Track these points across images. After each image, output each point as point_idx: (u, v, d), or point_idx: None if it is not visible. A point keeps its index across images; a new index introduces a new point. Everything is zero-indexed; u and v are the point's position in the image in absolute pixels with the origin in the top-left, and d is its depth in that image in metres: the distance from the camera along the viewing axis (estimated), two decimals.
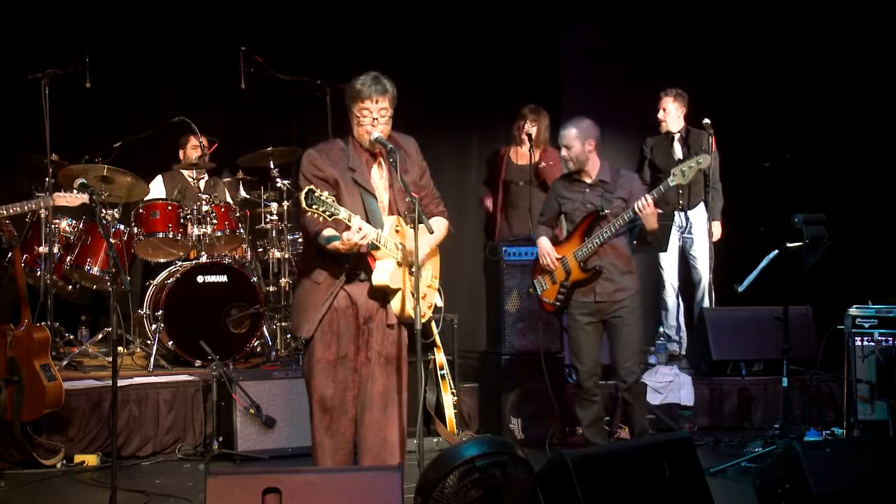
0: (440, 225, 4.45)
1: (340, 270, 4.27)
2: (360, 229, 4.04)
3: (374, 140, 4.21)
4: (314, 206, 3.95)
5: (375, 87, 4.21)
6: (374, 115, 4.21)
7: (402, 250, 4.27)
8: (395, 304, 4.32)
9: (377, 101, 4.20)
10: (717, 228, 7.26)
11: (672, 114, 7.20)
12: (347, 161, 4.27)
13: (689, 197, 7.14)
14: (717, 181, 7.24)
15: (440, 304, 4.54)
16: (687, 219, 7.25)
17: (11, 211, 5.57)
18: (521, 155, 7.30)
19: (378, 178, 4.33)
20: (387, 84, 4.24)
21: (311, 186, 3.98)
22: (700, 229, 7.25)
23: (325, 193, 3.99)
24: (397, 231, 4.26)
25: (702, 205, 7.25)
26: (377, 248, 4.18)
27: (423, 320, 4.31)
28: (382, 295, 4.29)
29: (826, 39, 7.86)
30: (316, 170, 4.24)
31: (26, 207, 5.71)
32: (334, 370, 4.29)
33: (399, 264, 4.26)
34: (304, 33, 8.08)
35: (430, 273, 4.44)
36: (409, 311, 4.27)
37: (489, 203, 7.56)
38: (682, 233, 7.31)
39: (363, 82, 4.23)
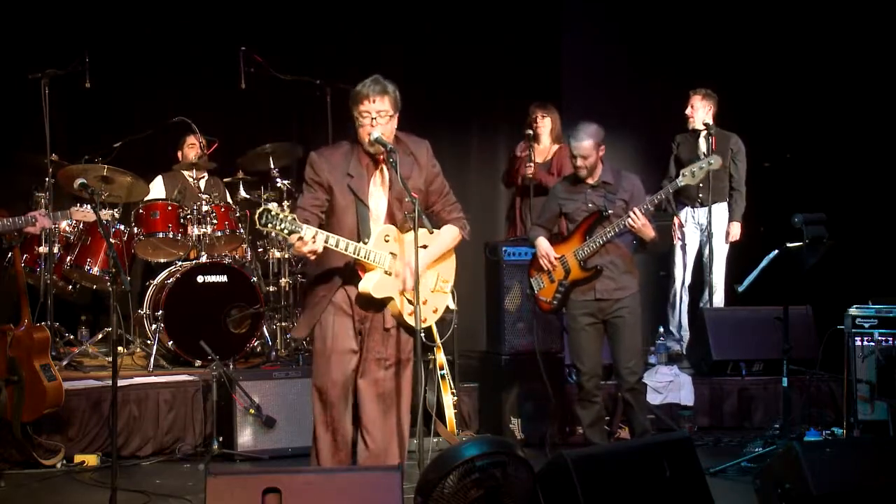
0: (450, 233, 4.43)
1: (336, 275, 4.29)
2: (313, 240, 4.02)
3: (374, 140, 4.20)
4: (268, 225, 3.95)
5: (374, 87, 4.20)
6: (373, 116, 4.19)
7: (394, 259, 4.26)
8: (393, 308, 4.31)
9: (375, 101, 4.19)
10: (736, 229, 7.29)
11: (699, 111, 7.23)
12: (348, 166, 4.26)
13: (710, 194, 7.13)
14: (742, 184, 7.28)
15: (452, 306, 4.54)
16: (707, 217, 7.24)
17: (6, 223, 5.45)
18: (541, 151, 7.26)
19: (377, 185, 4.31)
20: (387, 85, 4.22)
21: (268, 206, 3.99)
22: (719, 228, 7.28)
23: (285, 213, 3.98)
24: (386, 240, 4.26)
25: (724, 204, 7.29)
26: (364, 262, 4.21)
27: (425, 325, 4.36)
28: (377, 300, 4.29)
29: (826, 39, 7.86)
30: (313, 174, 4.28)
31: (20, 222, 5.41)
32: (335, 367, 4.30)
33: (388, 273, 4.25)
34: (304, 33, 8.08)
35: (437, 278, 4.42)
36: (405, 317, 4.28)
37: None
38: (701, 230, 7.33)
39: (363, 84, 4.23)
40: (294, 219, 4.00)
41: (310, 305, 4.36)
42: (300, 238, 4.00)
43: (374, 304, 4.30)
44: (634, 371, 5.50)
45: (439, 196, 4.43)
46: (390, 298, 4.28)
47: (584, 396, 5.56)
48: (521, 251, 6.31)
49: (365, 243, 4.22)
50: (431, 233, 4.28)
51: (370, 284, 4.23)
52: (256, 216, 3.95)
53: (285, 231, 3.98)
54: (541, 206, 5.87)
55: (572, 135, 5.45)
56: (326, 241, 4.08)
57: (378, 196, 4.31)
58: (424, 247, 4.30)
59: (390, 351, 4.35)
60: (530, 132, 7.15)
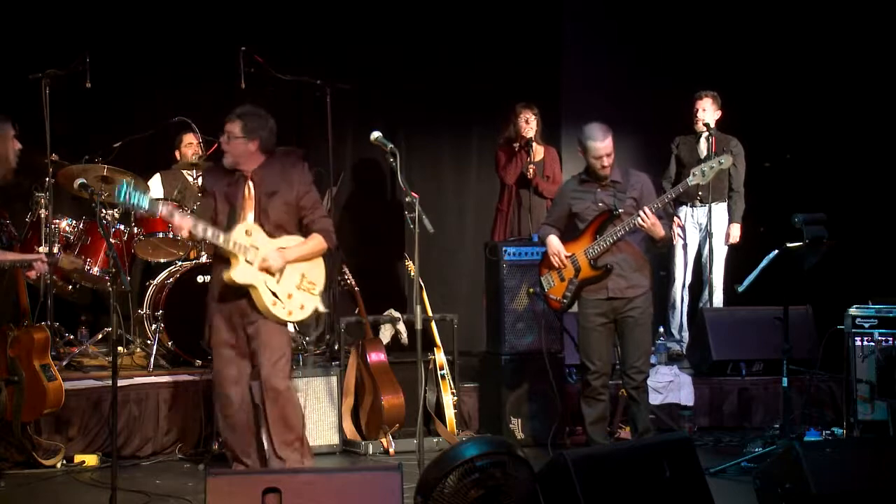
0: (315, 241, 4.99)
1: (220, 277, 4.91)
2: (178, 222, 4.87)
3: (374, 140, 4.56)
4: (122, 202, 4.76)
5: (231, 114, 4.91)
6: (226, 135, 4.91)
7: (256, 251, 4.83)
8: (258, 299, 4.87)
9: (227, 124, 4.91)
10: (736, 231, 7.33)
11: (708, 112, 7.28)
12: (228, 178, 4.99)
13: (710, 193, 7.16)
14: (741, 186, 7.33)
15: (322, 308, 5.02)
16: (707, 217, 7.25)
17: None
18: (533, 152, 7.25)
19: (247, 195, 4.94)
20: (244, 114, 4.91)
21: (126, 180, 4.96)
22: (719, 228, 7.30)
23: (138, 192, 4.72)
24: (248, 234, 4.85)
25: (723, 204, 7.33)
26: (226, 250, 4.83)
27: (292, 318, 4.96)
28: (250, 292, 4.85)
29: (826, 40, 7.86)
30: (204, 184, 5.26)
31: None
32: (216, 359, 5.02)
33: (249, 262, 4.83)
34: (304, 33, 8.07)
35: (302, 277, 4.94)
36: (270, 308, 4.86)
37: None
38: (700, 230, 7.34)
39: None
40: (152, 200, 4.87)
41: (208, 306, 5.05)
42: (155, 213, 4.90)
43: (245, 297, 4.87)
44: (642, 370, 5.54)
45: (308, 210, 5.00)
46: (253, 287, 4.83)
47: (590, 394, 5.57)
48: (521, 251, 6.31)
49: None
50: (432, 231, 4.59)
51: (232, 271, 4.81)
52: (115, 190, 4.74)
53: (142, 209, 4.79)
54: (552, 204, 5.92)
55: (590, 136, 5.42)
56: (194, 229, 4.79)
57: (246, 204, 4.94)
58: (283, 248, 4.91)
59: (266, 338, 4.89)
60: (513, 134, 7.20)
